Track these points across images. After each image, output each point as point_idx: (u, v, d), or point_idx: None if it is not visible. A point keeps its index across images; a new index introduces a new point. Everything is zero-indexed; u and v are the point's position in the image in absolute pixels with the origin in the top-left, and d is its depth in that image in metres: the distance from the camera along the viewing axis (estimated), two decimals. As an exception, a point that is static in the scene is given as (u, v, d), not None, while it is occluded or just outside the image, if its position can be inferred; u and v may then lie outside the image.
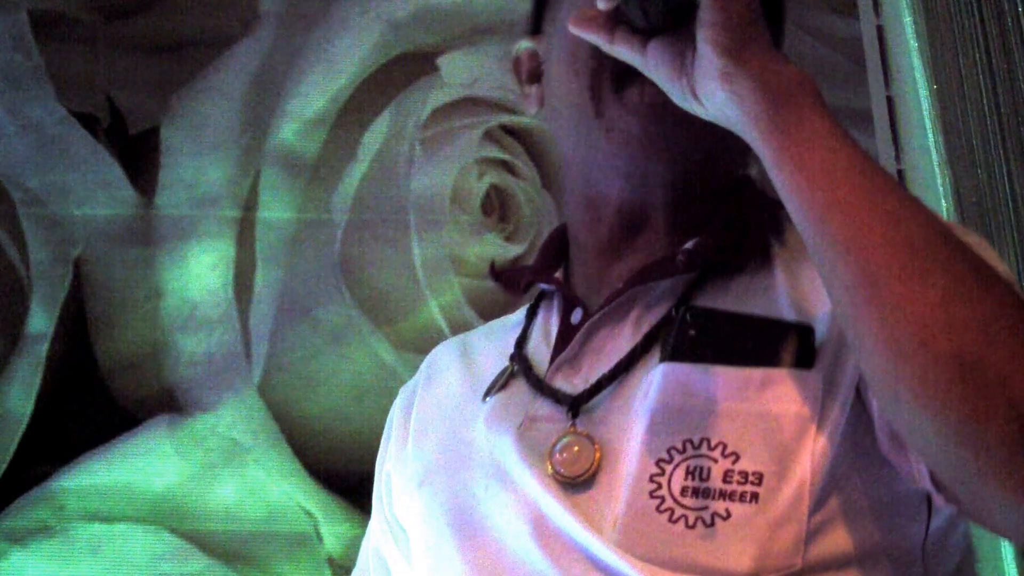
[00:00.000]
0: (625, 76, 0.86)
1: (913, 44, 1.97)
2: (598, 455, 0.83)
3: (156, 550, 1.69)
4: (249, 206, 1.86)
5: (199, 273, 1.81)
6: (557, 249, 1.01)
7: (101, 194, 1.83)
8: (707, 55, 0.75)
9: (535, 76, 0.99)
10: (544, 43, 0.98)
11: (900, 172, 1.95)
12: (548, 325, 0.96)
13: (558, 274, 0.99)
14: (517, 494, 0.85)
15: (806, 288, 0.84)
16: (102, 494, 1.70)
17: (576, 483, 0.82)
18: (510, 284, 1.02)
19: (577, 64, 0.90)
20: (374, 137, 1.89)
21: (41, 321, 1.77)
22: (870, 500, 0.79)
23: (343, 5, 1.94)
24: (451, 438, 0.94)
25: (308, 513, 1.72)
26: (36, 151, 1.84)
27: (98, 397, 1.76)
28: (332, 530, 1.72)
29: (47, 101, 1.85)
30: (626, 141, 0.88)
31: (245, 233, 1.84)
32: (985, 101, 1.87)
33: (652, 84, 0.81)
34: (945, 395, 0.67)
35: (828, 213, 0.72)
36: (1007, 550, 1.70)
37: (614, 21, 0.80)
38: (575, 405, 0.86)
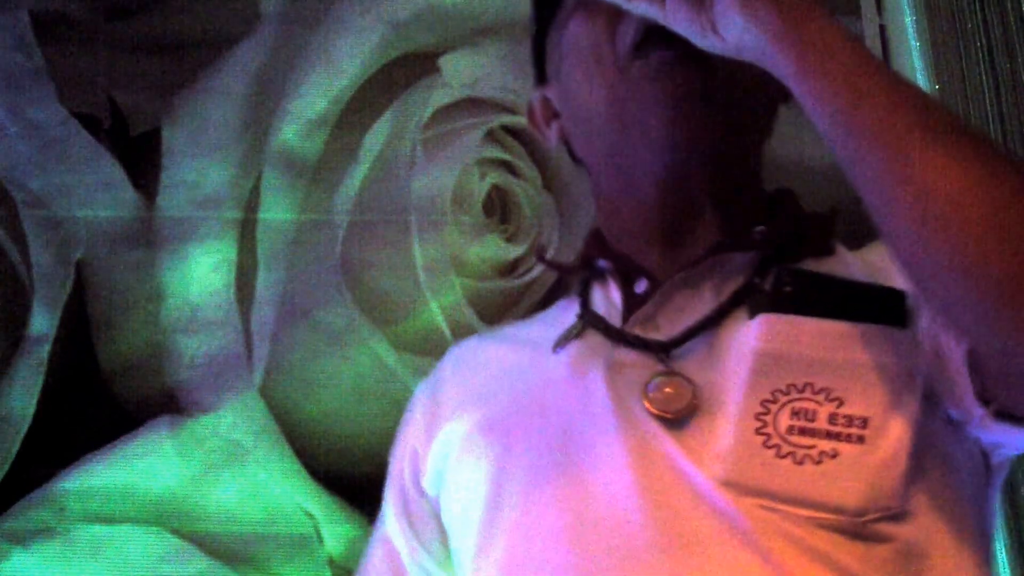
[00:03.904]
0: (642, 44, 0.91)
1: (915, 44, 1.97)
2: (694, 394, 0.84)
3: (157, 551, 1.69)
4: (250, 207, 1.85)
5: (200, 275, 1.81)
6: (602, 244, 1.01)
7: (103, 195, 1.83)
8: None
9: (552, 117, 1.04)
10: (554, 87, 1.02)
11: (902, 172, 1.94)
12: (609, 297, 0.96)
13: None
14: (613, 432, 0.85)
15: (873, 272, 0.88)
16: (103, 495, 1.70)
17: (674, 419, 0.83)
18: (563, 267, 1.05)
19: (597, 50, 0.94)
20: (375, 138, 1.89)
21: (42, 323, 1.77)
22: (956, 456, 0.84)
23: (344, 6, 1.94)
24: (518, 388, 0.94)
25: (309, 514, 1.72)
26: (37, 152, 1.84)
27: (99, 399, 1.76)
28: (333, 531, 1.72)
29: (48, 102, 1.85)
30: (654, 93, 0.91)
31: (246, 235, 1.84)
32: (988, 101, 1.87)
33: (667, 45, 0.87)
34: (984, 256, 0.72)
35: (855, 107, 0.77)
36: (1004, 548, 1.70)
37: None
38: (665, 349, 0.87)
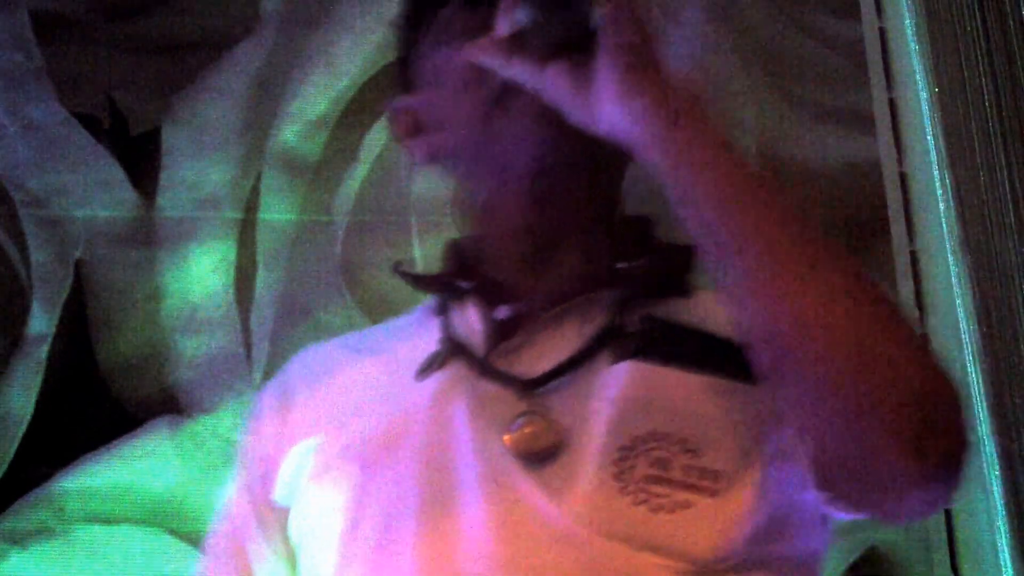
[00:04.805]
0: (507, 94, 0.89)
1: (915, 46, 1.97)
2: (556, 436, 0.84)
3: (156, 552, 1.69)
4: (250, 208, 1.85)
5: (200, 275, 1.81)
6: (462, 261, 0.99)
7: (102, 195, 1.83)
8: (608, 76, 0.81)
9: (416, 130, 1.00)
10: (423, 99, 0.99)
11: (902, 175, 1.94)
12: (468, 321, 0.94)
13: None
14: (472, 469, 0.84)
15: (720, 325, 0.87)
16: (102, 496, 1.70)
17: (535, 459, 0.83)
18: (421, 282, 1.01)
19: (467, 84, 0.92)
20: (375, 139, 1.89)
21: (42, 322, 1.77)
22: (801, 513, 0.85)
23: (345, 6, 1.94)
24: (379, 414, 0.91)
25: (309, 515, 1.72)
26: (37, 152, 1.84)
27: (99, 398, 1.76)
28: (333, 532, 1.71)
29: (48, 102, 1.85)
30: (518, 143, 0.91)
31: (246, 235, 1.84)
32: (987, 103, 1.87)
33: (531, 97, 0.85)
34: (843, 378, 0.74)
35: (723, 216, 0.79)
36: (1004, 548, 1.70)
37: (510, 47, 0.84)
38: (529, 387, 0.87)
